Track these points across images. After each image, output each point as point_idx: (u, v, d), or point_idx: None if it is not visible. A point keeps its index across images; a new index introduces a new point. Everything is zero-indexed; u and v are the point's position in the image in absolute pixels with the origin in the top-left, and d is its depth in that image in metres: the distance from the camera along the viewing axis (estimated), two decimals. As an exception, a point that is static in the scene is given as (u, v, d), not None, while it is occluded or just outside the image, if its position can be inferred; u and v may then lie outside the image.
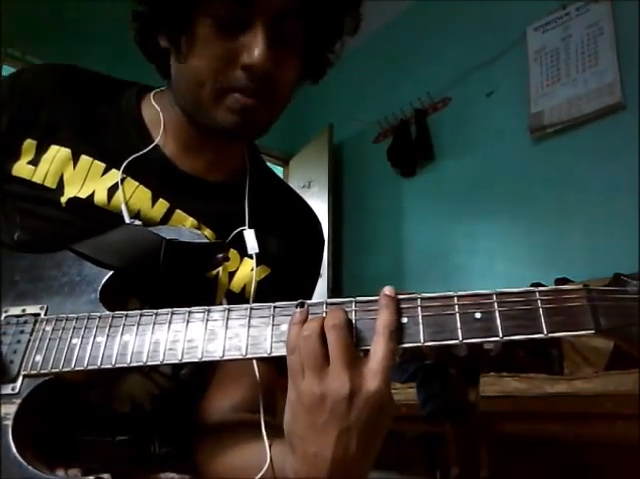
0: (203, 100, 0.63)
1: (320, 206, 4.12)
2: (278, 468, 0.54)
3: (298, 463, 0.48)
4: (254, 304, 0.53)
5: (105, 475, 0.51)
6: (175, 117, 0.69)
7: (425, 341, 0.47)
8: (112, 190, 0.66)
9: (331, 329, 0.46)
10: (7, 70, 3.22)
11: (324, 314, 0.49)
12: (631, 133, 2.68)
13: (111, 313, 0.56)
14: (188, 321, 0.53)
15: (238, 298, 0.69)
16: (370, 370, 0.45)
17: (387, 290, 0.49)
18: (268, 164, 0.85)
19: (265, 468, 0.54)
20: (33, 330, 0.56)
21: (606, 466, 2.24)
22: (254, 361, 0.63)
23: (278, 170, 4.85)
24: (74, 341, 0.54)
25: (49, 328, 0.56)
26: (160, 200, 0.68)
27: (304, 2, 0.61)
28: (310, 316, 0.49)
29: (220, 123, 0.63)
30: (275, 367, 0.67)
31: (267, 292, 0.69)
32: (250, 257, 0.71)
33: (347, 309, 0.49)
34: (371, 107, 4.25)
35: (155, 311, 0.54)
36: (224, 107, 0.62)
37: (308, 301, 0.51)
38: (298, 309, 0.50)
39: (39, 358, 0.54)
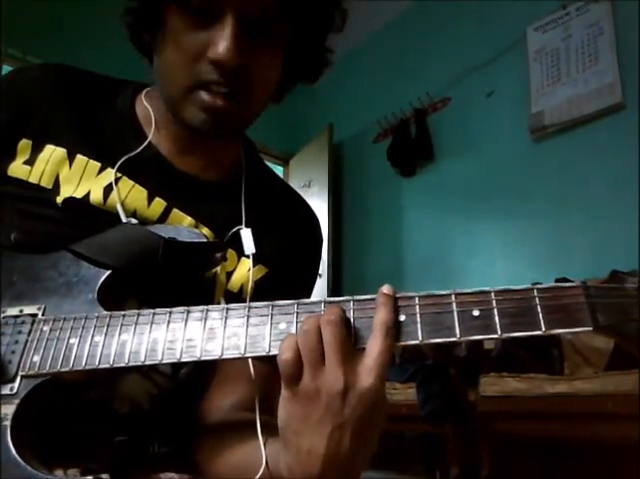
0: (174, 95, 0.62)
1: (320, 206, 4.13)
2: (273, 465, 0.53)
3: (292, 459, 0.48)
4: (253, 303, 0.53)
5: (104, 475, 0.51)
6: (165, 115, 0.69)
7: (423, 339, 0.47)
8: (108, 189, 0.66)
9: (326, 325, 0.46)
10: (7, 70, 3.22)
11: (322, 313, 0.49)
12: (631, 133, 2.68)
13: (109, 313, 0.55)
14: (187, 320, 0.53)
15: (236, 298, 0.69)
16: (365, 367, 0.45)
17: (385, 288, 0.48)
18: (267, 163, 0.85)
19: (261, 471, 0.54)
20: (31, 330, 0.56)
21: (606, 466, 2.24)
22: (249, 360, 0.63)
23: (278, 170, 4.85)
24: (72, 341, 0.54)
25: (47, 328, 0.56)
26: (157, 199, 0.68)
27: (277, 8, 0.59)
28: (308, 314, 0.49)
29: (188, 120, 0.62)
30: (274, 366, 0.67)
31: (265, 292, 0.69)
32: (247, 257, 0.70)
33: (345, 308, 0.49)
34: (371, 107, 4.25)
35: (153, 311, 0.54)
36: (194, 104, 0.61)
37: (307, 300, 0.51)
38: None
39: (37, 358, 0.54)
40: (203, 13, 0.58)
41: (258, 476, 0.54)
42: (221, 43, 0.57)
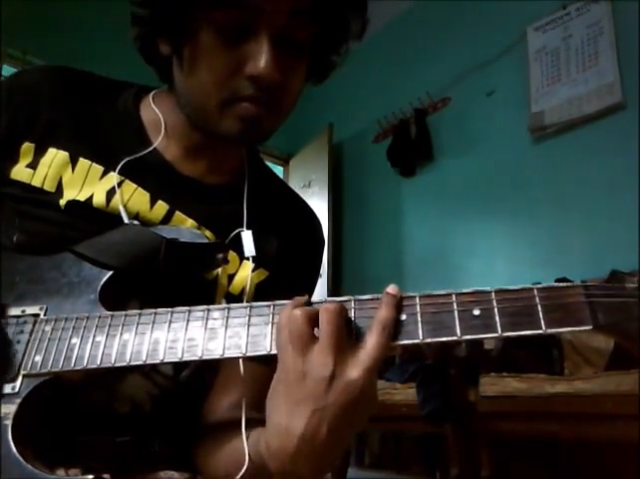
0: (209, 109, 0.63)
1: (320, 206, 4.12)
2: (255, 449, 0.54)
3: (270, 434, 0.49)
4: (254, 303, 0.53)
5: (105, 475, 0.51)
6: (178, 121, 0.69)
7: (424, 338, 0.47)
8: (111, 193, 0.66)
9: (324, 312, 0.47)
10: (7, 70, 3.23)
11: None
12: (631, 133, 2.67)
13: (110, 313, 0.56)
14: (188, 320, 0.53)
15: (237, 300, 0.69)
16: (356, 359, 0.46)
17: (390, 288, 0.49)
18: (268, 164, 0.85)
19: (244, 469, 0.54)
20: (33, 330, 0.56)
21: (606, 466, 2.24)
22: (240, 360, 0.63)
23: (278, 170, 4.85)
24: (73, 341, 0.54)
25: (48, 328, 0.56)
26: (160, 202, 0.68)
27: (311, 10, 0.60)
28: None
29: (225, 131, 0.63)
30: (275, 366, 0.67)
31: (266, 295, 0.69)
32: (248, 259, 0.71)
33: (347, 307, 0.49)
34: (371, 107, 4.25)
35: (154, 311, 0.54)
36: (231, 116, 0.62)
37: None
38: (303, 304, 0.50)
39: (38, 358, 0.54)
40: (237, 30, 0.59)
41: (240, 475, 0.54)
42: (261, 60, 0.58)
